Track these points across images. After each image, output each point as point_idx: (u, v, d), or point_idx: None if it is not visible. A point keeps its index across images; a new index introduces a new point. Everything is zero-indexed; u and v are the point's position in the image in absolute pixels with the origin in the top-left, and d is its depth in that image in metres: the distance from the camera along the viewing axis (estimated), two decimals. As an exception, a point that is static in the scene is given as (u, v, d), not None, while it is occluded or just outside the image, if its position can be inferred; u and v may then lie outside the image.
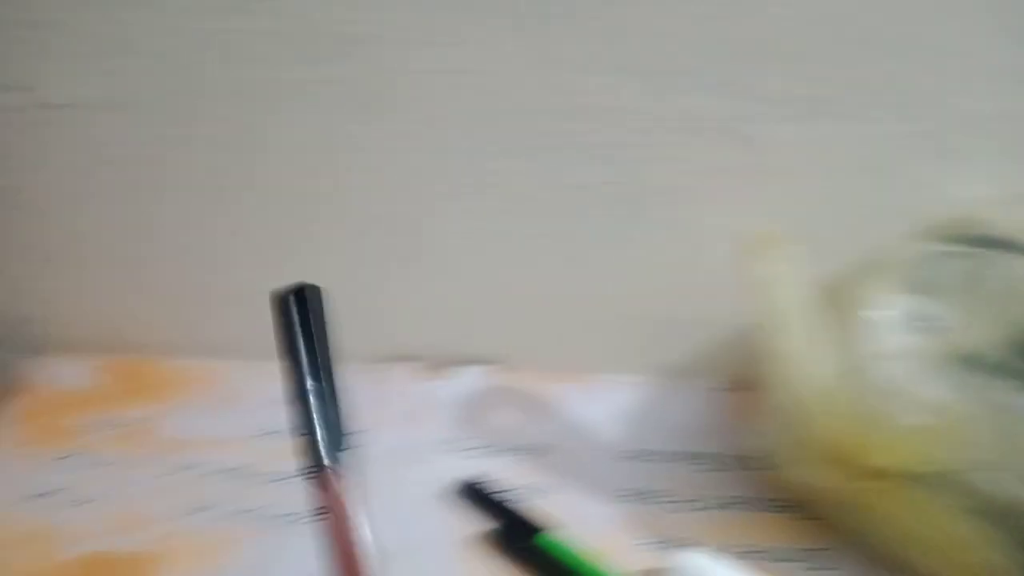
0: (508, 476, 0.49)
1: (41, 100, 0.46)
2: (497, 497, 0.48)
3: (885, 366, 0.41)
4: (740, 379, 0.55)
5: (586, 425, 0.53)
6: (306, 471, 0.24)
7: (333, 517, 0.25)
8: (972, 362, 0.40)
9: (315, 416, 0.25)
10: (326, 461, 0.25)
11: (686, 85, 0.44)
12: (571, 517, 0.47)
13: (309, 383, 0.26)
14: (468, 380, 0.57)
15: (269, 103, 0.46)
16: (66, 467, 0.51)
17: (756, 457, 0.50)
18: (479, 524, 0.47)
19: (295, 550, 0.45)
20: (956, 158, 0.45)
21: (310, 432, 0.25)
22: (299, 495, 0.48)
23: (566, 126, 0.46)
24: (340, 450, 0.25)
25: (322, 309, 0.27)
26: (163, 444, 0.52)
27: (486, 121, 0.46)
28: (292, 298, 0.26)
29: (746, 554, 0.45)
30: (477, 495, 0.48)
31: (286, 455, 0.51)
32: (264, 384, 0.56)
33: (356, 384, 0.55)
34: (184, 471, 0.50)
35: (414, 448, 0.51)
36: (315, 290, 0.26)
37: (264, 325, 0.56)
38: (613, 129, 0.46)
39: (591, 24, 0.42)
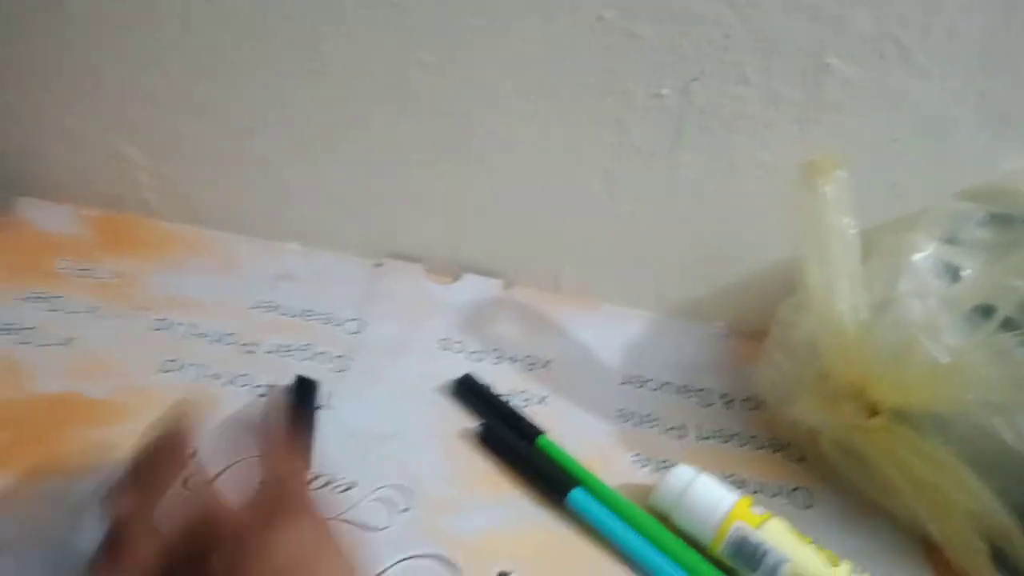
0: (507, 382, 0.48)
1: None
2: (496, 398, 0.46)
3: (909, 304, 0.41)
4: (746, 327, 0.55)
5: (589, 347, 0.52)
6: None
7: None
8: (986, 314, 0.40)
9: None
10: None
11: (777, 2, 0.43)
12: (565, 428, 0.46)
13: None
14: (475, 288, 0.55)
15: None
16: (38, 307, 0.48)
17: (754, 398, 0.50)
18: (474, 421, 0.45)
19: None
20: (1015, 127, 0.45)
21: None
22: (281, 369, 0.46)
23: (634, 27, 0.44)
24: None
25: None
26: (144, 300, 0.50)
27: (539, 17, 0.45)
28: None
29: (730, 481, 0.44)
30: (475, 393, 0.46)
31: (276, 329, 0.49)
32: (264, 260, 0.54)
33: (360, 276, 0.54)
34: (164, 329, 0.48)
35: (413, 343, 0.50)
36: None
37: (273, 201, 0.54)
38: (680, 37, 0.44)
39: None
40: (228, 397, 0.44)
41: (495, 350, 0.50)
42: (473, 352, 0.50)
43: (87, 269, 0.51)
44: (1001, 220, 0.44)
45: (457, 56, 0.47)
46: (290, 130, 0.51)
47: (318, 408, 0.32)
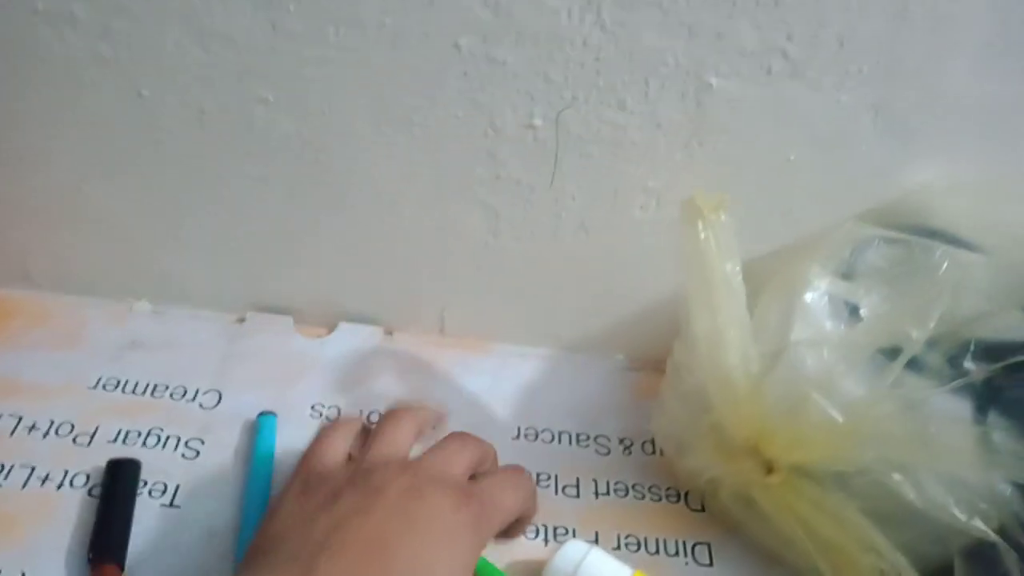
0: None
1: None
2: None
3: (802, 354, 0.38)
4: (647, 358, 0.51)
5: (480, 398, 0.48)
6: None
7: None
8: (891, 356, 0.37)
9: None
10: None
11: (650, 20, 0.38)
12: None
13: None
14: (352, 339, 0.50)
15: None
16: None
17: (651, 442, 0.47)
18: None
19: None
20: (915, 141, 0.42)
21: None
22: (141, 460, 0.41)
23: (495, 53, 0.39)
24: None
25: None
26: (-30, 389, 0.44)
27: (389, 46, 0.40)
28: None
29: (627, 544, 0.41)
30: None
31: (120, 412, 0.44)
32: (111, 325, 0.49)
33: (220, 335, 0.49)
34: (-9, 423, 0.42)
35: (285, 410, 0.45)
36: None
37: (117, 256, 0.49)
38: (547, 62, 0.40)
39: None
40: (60, 502, 0.39)
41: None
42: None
43: None
44: (898, 245, 0.41)
45: (301, 91, 0.42)
46: (127, 179, 0.45)
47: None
